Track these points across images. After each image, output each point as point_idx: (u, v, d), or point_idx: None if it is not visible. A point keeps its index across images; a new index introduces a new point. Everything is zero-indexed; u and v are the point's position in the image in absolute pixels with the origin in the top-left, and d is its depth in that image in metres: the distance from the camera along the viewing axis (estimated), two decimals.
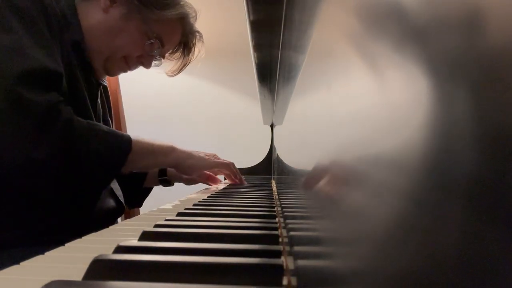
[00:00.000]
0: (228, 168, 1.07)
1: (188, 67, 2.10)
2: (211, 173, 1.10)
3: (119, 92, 1.66)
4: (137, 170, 0.97)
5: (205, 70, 2.13)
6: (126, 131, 1.66)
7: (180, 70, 1.07)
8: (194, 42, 1.01)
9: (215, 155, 1.05)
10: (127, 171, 0.84)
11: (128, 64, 0.92)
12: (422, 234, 0.10)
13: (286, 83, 0.69)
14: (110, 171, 0.78)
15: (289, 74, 0.60)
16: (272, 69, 0.90)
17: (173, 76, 1.09)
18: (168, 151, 0.90)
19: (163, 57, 0.97)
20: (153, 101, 2.15)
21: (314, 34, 0.33)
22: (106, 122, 0.98)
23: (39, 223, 0.75)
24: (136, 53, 0.90)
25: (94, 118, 0.84)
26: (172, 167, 0.98)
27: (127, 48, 0.88)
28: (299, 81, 0.47)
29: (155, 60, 0.96)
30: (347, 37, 0.20)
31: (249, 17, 0.60)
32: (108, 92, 1.04)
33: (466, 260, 0.08)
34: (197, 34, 1.01)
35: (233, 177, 1.11)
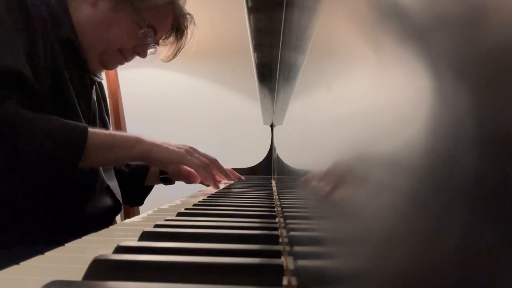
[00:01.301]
0: (198, 166, 0.90)
1: (187, 67, 2.10)
2: (191, 170, 0.94)
3: (119, 92, 1.66)
4: (99, 166, 0.88)
5: (205, 70, 2.13)
6: (126, 131, 1.66)
7: (174, 55, 1.05)
8: (186, 24, 0.99)
9: (191, 148, 0.93)
10: (87, 166, 0.77)
11: (124, 55, 0.91)
12: (422, 234, 0.10)
13: (286, 83, 0.69)
14: (64, 168, 0.73)
15: (289, 74, 0.60)
16: (272, 69, 0.90)
17: (168, 61, 1.07)
18: (132, 144, 0.82)
19: (158, 44, 0.96)
20: (153, 101, 2.15)
21: (314, 34, 0.33)
22: (102, 120, 0.97)
23: (33, 223, 0.75)
24: (130, 44, 0.89)
25: (82, 117, 0.82)
26: (139, 160, 0.89)
27: (121, 40, 0.87)
28: (299, 81, 0.47)
29: (150, 48, 0.95)
30: (347, 37, 0.20)
31: (249, 16, 0.60)
32: (103, 88, 1.04)
33: (467, 260, 0.08)
34: (188, 16, 0.99)
35: (206, 181, 0.94)
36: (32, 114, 0.70)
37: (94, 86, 0.92)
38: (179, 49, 1.03)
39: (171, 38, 1.00)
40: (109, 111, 1.62)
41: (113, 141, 0.80)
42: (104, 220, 0.86)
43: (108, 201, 0.90)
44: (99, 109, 0.96)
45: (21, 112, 0.68)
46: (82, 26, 0.84)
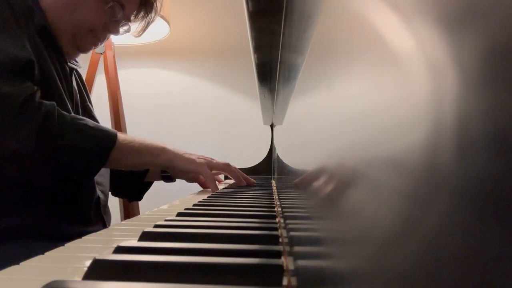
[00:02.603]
0: (211, 179, 0.98)
1: (187, 67, 2.08)
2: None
3: (119, 92, 1.66)
4: (123, 168, 0.95)
5: (205, 70, 2.13)
6: (126, 131, 1.65)
7: (144, 29, 1.04)
8: None
9: (211, 159, 1.01)
10: (112, 168, 0.82)
11: (97, 35, 0.91)
12: (422, 234, 0.10)
13: (286, 83, 0.69)
14: (91, 167, 0.78)
15: (289, 74, 0.60)
16: (272, 69, 0.90)
17: (139, 36, 1.07)
18: (158, 152, 0.88)
19: (129, 20, 0.95)
20: (153, 101, 2.15)
21: (314, 34, 0.33)
22: (85, 109, 0.97)
23: (27, 211, 0.76)
24: (99, 22, 0.88)
25: (69, 105, 0.83)
26: (162, 168, 0.96)
27: (89, 19, 0.87)
28: (299, 81, 0.47)
29: (122, 26, 0.94)
30: (347, 37, 0.20)
31: (249, 17, 0.60)
32: (81, 76, 1.03)
33: (467, 261, 0.08)
34: None
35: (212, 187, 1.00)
36: (68, 114, 0.74)
37: (72, 74, 0.92)
38: (148, 23, 1.02)
39: (142, 13, 1.00)
40: (110, 111, 1.62)
41: (139, 147, 0.85)
42: (90, 210, 0.86)
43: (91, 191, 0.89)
44: (81, 97, 0.96)
45: (60, 110, 0.73)
46: (50, 11, 0.84)
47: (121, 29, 0.95)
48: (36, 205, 0.77)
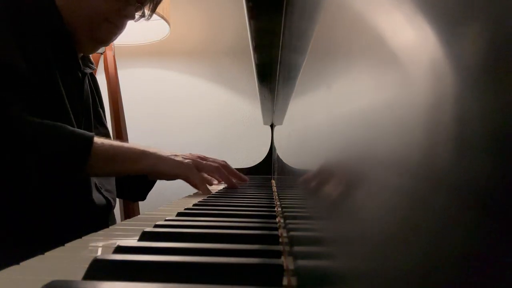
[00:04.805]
0: (201, 182, 0.90)
1: (188, 67, 2.08)
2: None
3: (119, 92, 1.66)
4: (102, 176, 0.89)
5: (205, 70, 2.13)
6: (126, 131, 1.65)
7: (154, 9, 1.01)
8: None
9: (199, 157, 0.95)
10: (90, 175, 0.79)
11: (114, 23, 0.88)
12: (422, 235, 0.10)
13: (286, 83, 0.69)
14: (66, 175, 0.74)
15: (289, 74, 0.60)
16: (272, 69, 0.90)
17: (149, 19, 1.03)
18: (136, 158, 0.82)
19: (141, 3, 0.93)
20: (153, 101, 2.15)
21: (314, 35, 0.33)
22: (97, 113, 0.96)
23: (29, 222, 0.75)
24: (113, 8, 0.86)
25: (70, 113, 0.81)
26: (145, 173, 0.89)
27: (103, 7, 0.85)
28: (299, 81, 0.47)
29: (137, 10, 0.92)
30: (348, 37, 0.20)
31: (249, 17, 0.60)
32: (96, 80, 1.02)
33: (467, 261, 0.08)
34: None
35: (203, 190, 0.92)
36: (37, 121, 0.71)
37: (86, 78, 0.91)
38: (157, 2, 0.98)
39: None
40: (110, 111, 1.62)
41: (118, 153, 0.79)
42: (95, 218, 0.85)
43: (99, 197, 0.88)
44: (93, 101, 0.95)
45: (27, 118, 0.69)
46: (64, 6, 0.83)
47: (137, 15, 0.93)
48: (34, 212, 0.76)
